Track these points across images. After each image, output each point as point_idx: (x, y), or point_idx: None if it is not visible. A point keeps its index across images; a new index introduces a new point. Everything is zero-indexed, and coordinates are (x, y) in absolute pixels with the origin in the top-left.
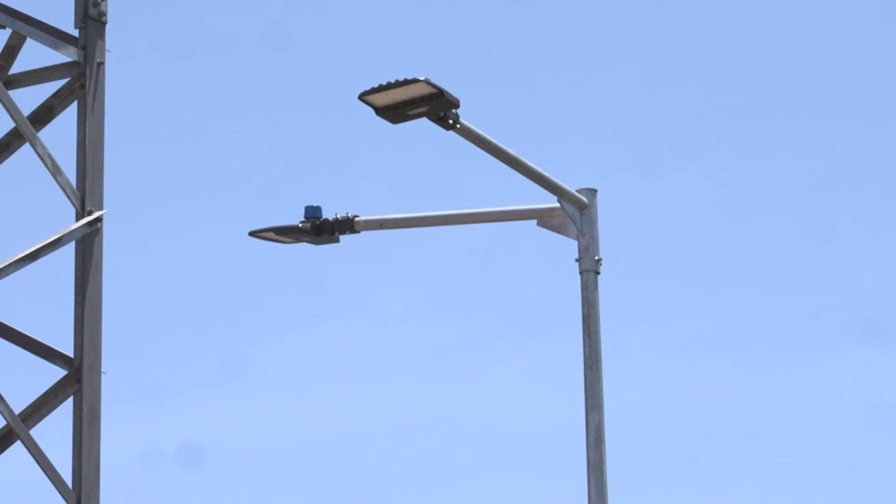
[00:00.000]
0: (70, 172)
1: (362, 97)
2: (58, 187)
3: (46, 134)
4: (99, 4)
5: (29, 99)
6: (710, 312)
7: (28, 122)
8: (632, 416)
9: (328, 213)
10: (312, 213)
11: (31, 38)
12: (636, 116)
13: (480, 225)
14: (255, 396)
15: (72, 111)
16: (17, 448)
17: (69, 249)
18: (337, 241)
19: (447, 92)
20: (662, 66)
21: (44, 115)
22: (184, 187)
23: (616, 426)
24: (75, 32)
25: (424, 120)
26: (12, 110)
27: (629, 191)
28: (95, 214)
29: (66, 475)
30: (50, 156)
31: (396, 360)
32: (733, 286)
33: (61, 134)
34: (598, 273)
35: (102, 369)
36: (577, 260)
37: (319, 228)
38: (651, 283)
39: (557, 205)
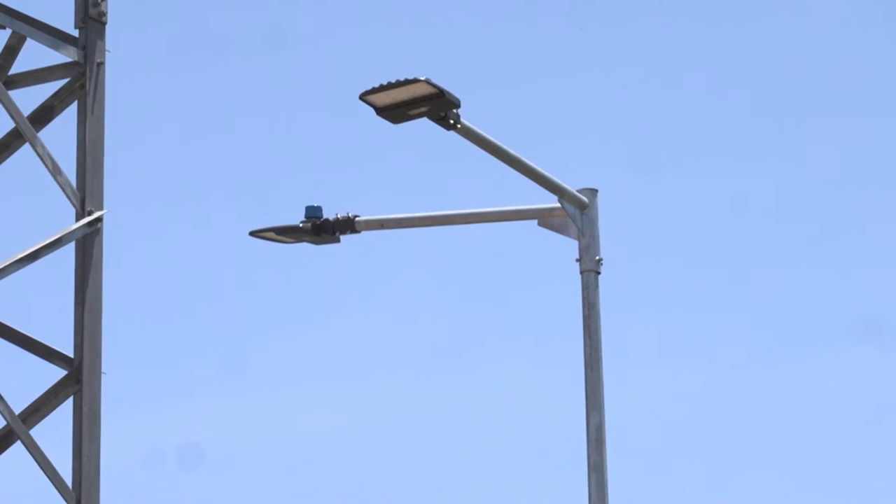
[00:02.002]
0: (70, 172)
1: (363, 97)
2: (58, 187)
3: (46, 134)
4: (99, 4)
5: (29, 99)
6: (710, 312)
7: (28, 122)
8: (632, 416)
9: (329, 213)
10: (313, 212)
11: (31, 38)
12: (636, 116)
13: (481, 225)
14: (255, 397)
15: (72, 111)
16: (17, 448)
17: (69, 249)
18: (337, 241)
19: (448, 92)
20: (662, 66)
21: (44, 115)
22: (184, 187)
23: (617, 426)
24: (75, 32)
25: (425, 120)
26: (12, 110)
27: (629, 191)
28: (95, 214)
29: (66, 475)
30: (50, 156)
31: (396, 361)
32: (733, 286)
33: (61, 134)
34: (599, 273)
35: (102, 369)
36: (577, 260)
37: (320, 228)
38: (651, 283)
39: (558, 205)
